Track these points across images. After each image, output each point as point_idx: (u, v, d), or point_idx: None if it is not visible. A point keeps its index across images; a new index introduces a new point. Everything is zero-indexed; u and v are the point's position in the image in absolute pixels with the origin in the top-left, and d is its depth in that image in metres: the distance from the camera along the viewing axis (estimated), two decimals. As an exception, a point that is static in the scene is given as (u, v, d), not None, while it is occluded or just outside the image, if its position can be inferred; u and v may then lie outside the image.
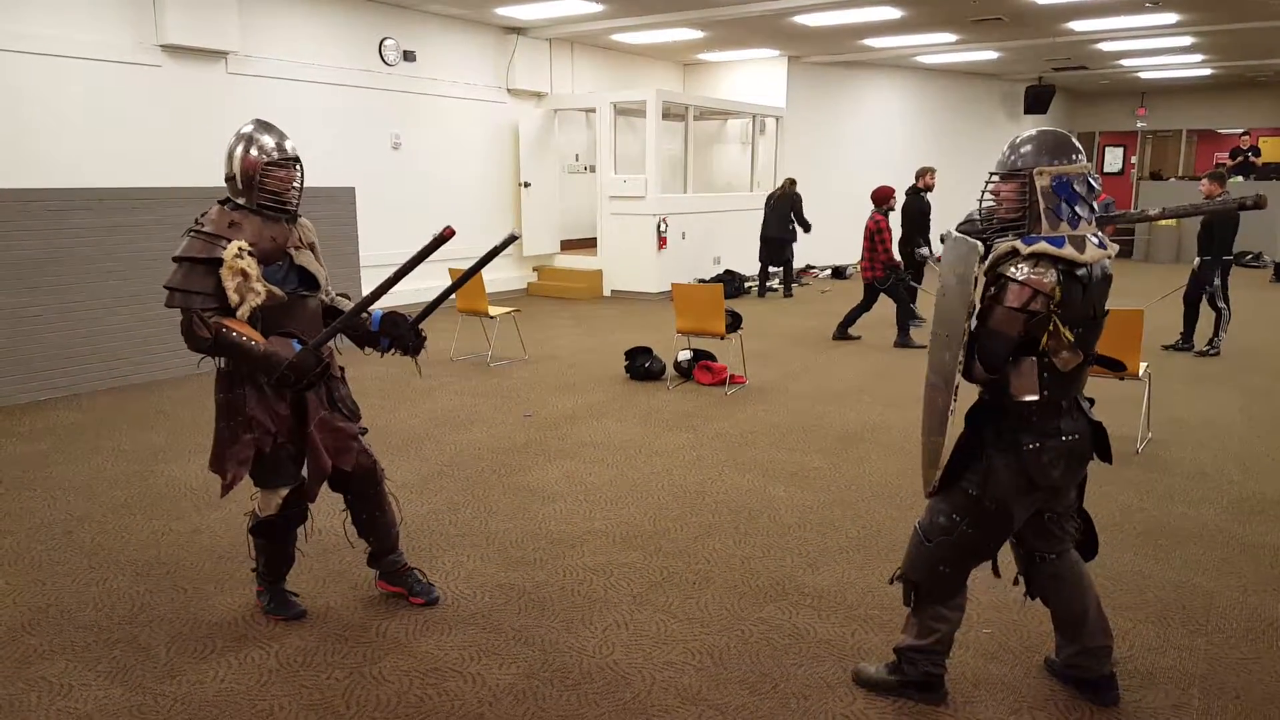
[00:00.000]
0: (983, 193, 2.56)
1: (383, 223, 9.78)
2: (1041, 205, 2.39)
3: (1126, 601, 3.40)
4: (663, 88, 13.34)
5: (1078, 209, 2.39)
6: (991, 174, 2.53)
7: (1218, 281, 8.13)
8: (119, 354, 6.93)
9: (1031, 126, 18.78)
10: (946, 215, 9.91)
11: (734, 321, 7.10)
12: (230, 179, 3.04)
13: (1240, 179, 15.99)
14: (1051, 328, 2.38)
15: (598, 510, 4.37)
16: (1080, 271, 2.38)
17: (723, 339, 7.07)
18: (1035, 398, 2.45)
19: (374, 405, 6.11)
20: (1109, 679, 2.71)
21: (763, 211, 11.99)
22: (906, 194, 9.45)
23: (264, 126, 3.08)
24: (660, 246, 11.89)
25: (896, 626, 3.18)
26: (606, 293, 12.30)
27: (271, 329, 2.96)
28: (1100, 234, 2.45)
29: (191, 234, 2.95)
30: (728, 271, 12.61)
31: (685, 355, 7.24)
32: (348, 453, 3.15)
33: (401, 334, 3.21)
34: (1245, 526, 4.17)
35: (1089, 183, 2.42)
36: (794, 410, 6.29)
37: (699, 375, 7.11)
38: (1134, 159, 21.35)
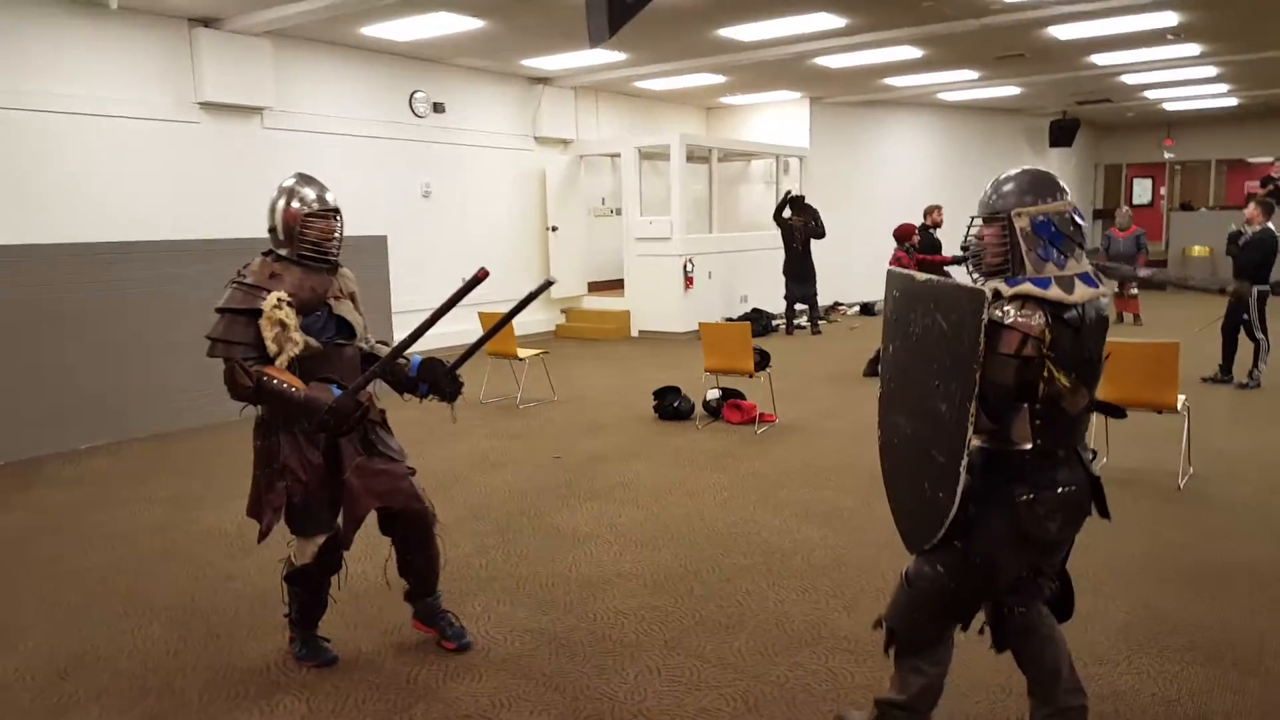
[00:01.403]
0: (966, 236, 2.49)
1: (414, 270, 9.94)
2: (1023, 248, 2.32)
3: (1174, 643, 3.30)
4: (686, 131, 13.50)
5: (1061, 249, 2.32)
6: (973, 217, 2.46)
7: (1253, 310, 7.97)
8: (157, 402, 7.04)
9: (1056, 160, 18.69)
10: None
11: (762, 360, 7.09)
12: (272, 230, 3.12)
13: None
14: (1046, 373, 2.26)
15: (628, 552, 4.34)
16: (1069, 314, 2.28)
17: (751, 377, 7.05)
18: (1029, 446, 2.34)
19: (405, 448, 6.13)
20: None
21: (783, 248, 12.07)
22: (919, 232, 9.51)
23: (305, 179, 3.16)
24: (687, 286, 11.94)
25: (935, 669, 3.12)
26: (634, 333, 12.35)
27: (310, 377, 3.00)
28: (1091, 273, 2.36)
29: (233, 285, 3.03)
30: (755, 310, 12.62)
31: (714, 394, 7.22)
32: (397, 493, 3.17)
33: (439, 380, 3.23)
34: (1295, 563, 4.05)
35: (1074, 220, 2.36)
36: (825, 449, 6.24)
37: (728, 414, 7.08)
38: (1163, 190, 21.15)
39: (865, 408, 7.56)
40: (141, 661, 3.33)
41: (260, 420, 3.11)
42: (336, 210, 3.15)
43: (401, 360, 3.16)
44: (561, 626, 3.54)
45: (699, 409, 7.22)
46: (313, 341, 3.01)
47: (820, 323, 12.37)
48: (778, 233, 12.12)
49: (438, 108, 10.80)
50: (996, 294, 2.30)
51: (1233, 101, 16.29)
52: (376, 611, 3.68)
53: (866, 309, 14.08)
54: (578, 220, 12.68)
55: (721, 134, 15.02)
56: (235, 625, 3.63)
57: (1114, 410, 2.66)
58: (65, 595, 3.97)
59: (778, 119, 14.66)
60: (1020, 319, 2.25)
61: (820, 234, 11.96)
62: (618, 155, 12.72)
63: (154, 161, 8.20)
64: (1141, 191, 21.52)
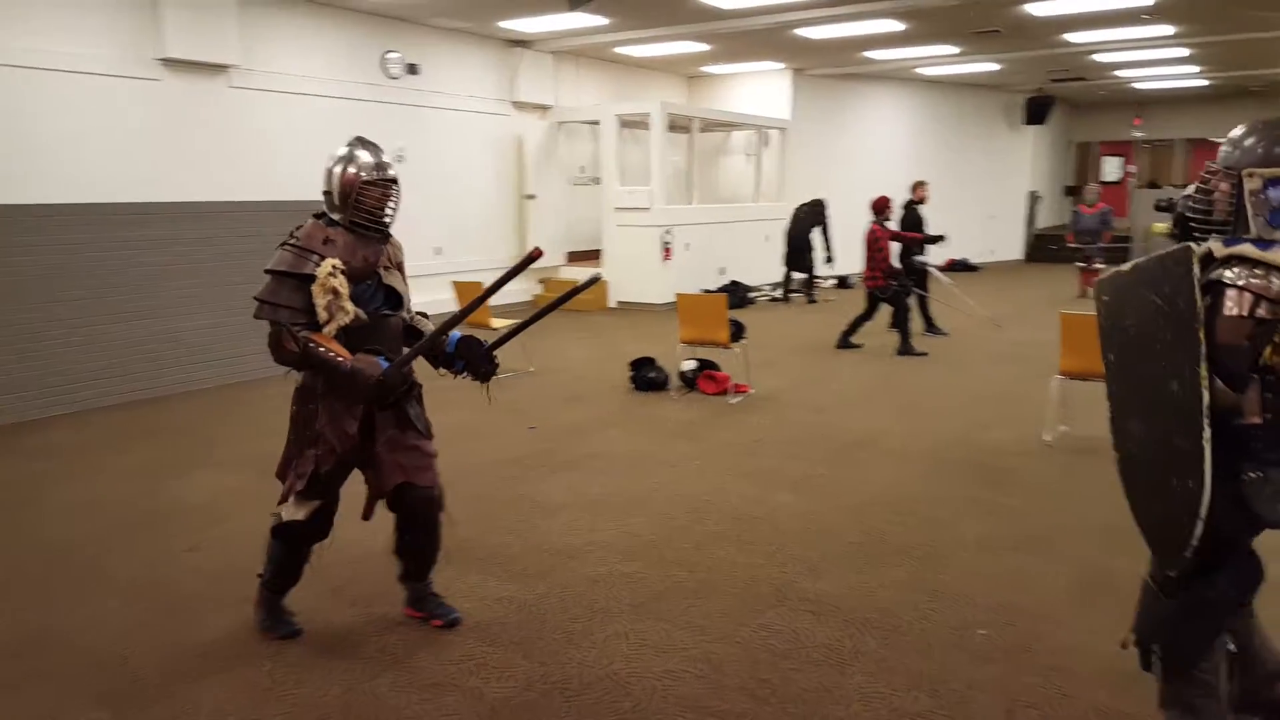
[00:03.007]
0: (1197, 188, 2.33)
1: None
2: (1250, 210, 2.17)
3: (1123, 601, 3.37)
4: (667, 100, 13.41)
5: None
6: (1209, 168, 2.29)
7: None
8: (122, 371, 6.94)
9: (1032, 137, 18.85)
10: (944, 225, 10.01)
11: (737, 331, 7.14)
12: (327, 194, 3.06)
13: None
14: (1277, 340, 2.12)
15: (601, 521, 4.39)
16: None
17: (726, 348, 7.10)
18: (1258, 420, 2.14)
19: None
20: None
21: (789, 220, 12.52)
22: (903, 207, 9.58)
23: (364, 143, 3.08)
24: (665, 258, 11.94)
25: (893, 629, 3.23)
26: (612, 304, 12.35)
27: (356, 346, 2.96)
28: None
29: (284, 247, 2.97)
30: (733, 282, 12.66)
31: (690, 365, 7.27)
32: (425, 470, 3.15)
33: (476, 359, 3.17)
34: None
35: None
36: (797, 419, 6.32)
37: (703, 385, 7.13)
38: (1132, 168, 21.38)
39: (837, 379, 7.73)
40: (99, 637, 3.28)
41: (300, 386, 3.07)
42: (394, 180, 3.08)
43: (442, 337, 3.13)
44: (531, 594, 3.59)
45: (675, 380, 7.27)
46: (361, 314, 2.97)
47: (814, 294, 12.91)
48: (758, 205, 12.30)
49: (412, 69, 10.62)
50: (1210, 255, 2.18)
51: (1202, 82, 16.47)
52: (342, 582, 3.67)
53: (843, 282, 14.16)
54: (556, 189, 12.59)
55: (703, 104, 14.93)
56: (197, 598, 3.58)
57: None
58: (25, 569, 3.91)
59: (759, 90, 14.60)
60: (1254, 280, 2.10)
61: (819, 222, 12.51)
62: (597, 123, 12.62)
63: (112, 120, 7.91)
64: (1112, 169, 21.76)
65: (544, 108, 12.47)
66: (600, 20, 10.51)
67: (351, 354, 2.93)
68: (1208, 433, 2.01)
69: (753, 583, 3.66)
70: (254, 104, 9.02)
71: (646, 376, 7.26)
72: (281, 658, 3.11)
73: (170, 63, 8.28)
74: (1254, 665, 2.41)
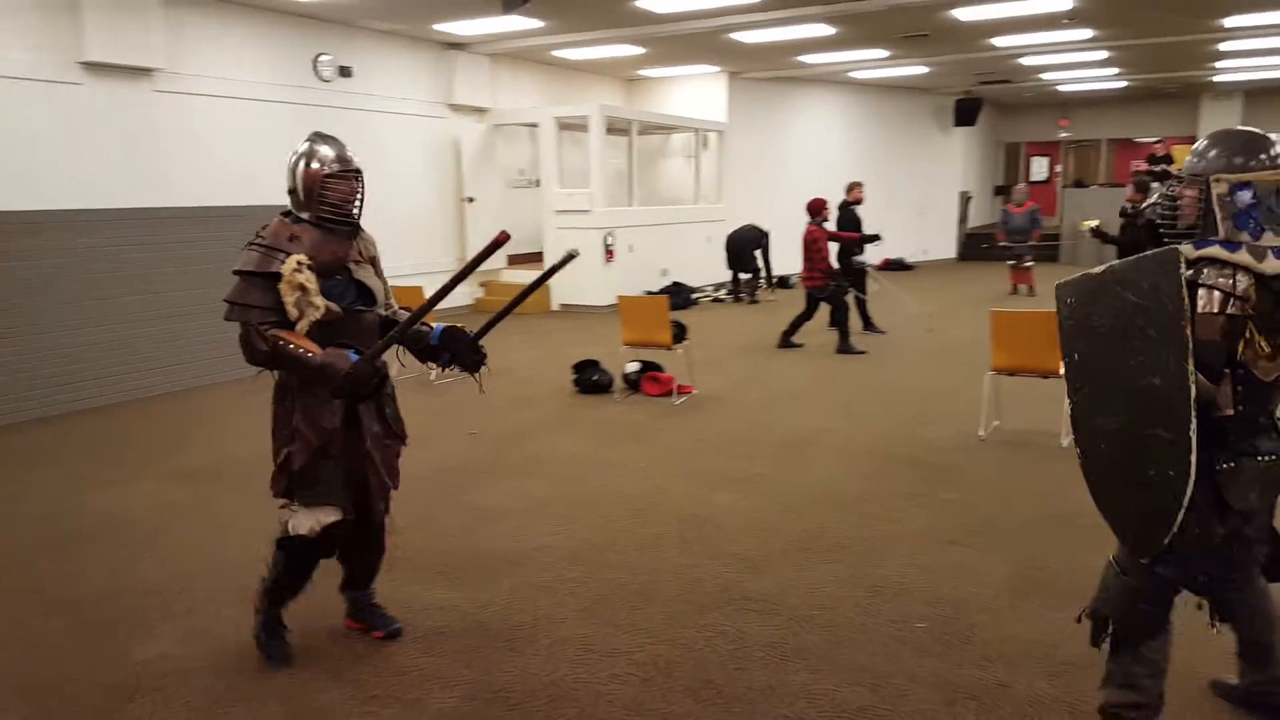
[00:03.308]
0: (1163, 196, 2.45)
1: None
2: (1218, 214, 2.29)
3: (1054, 591, 3.47)
4: (606, 103, 13.42)
5: (1259, 218, 2.27)
6: (1172, 177, 2.42)
7: None
8: (51, 382, 6.70)
9: (961, 139, 19.35)
10: (878, 225, 10.20)
11: (679, 332, 7.17)
12: (292, 192, 3.00)
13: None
14: (1249, 335, 2.24)
15: (544, 526, 4.37)
16: (1275, 283, 2.25)
17: (669, 350, 7.13)
18: (1230, 412, 2.28)
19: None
20: None
21: (728, 237, 12.97)
22: (839, 208, 9.73)
23: (323, 138, 3.02)
24: (607, 260, 11.94)
25: (835, 625, 3.27)
26: (555, 306, 12.30)
27: (329, 342, 2.90)
28: None
29: (250, 247, 2.91)
30: (675, 284, 12.73)
31: (633, 367, 7.28)
32: (396, 473, 3.12)
33: (461, 350, 3.14)
34: None
35: (1278, 191, 2.29)
36: (740, 418, 6.37)
37: (647, 386, 7.15)
38: (1059, 168, 22.11)
39: (779, 378, 7.82)
40: (28, 657, 3.17)
41: (278, 385, 3.01)
42: (358, 171, 3.02)
43: (424, 328, 3.08)
44: (474, 603, 3.55)
45: (618, 382, 7.27)
46: (334, 306, 2.91)
47: (744, 296, 13.14)
48: (699, 207, 12.58)
49: (344, 72, 10.44)
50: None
51: (1122, 84, 17.09)
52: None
53: (782, 282, 14.34)
54: (495, 191, 12.50)
55: (641, 107, 14.98)
56: (135, 613, 3.50)
57: None
58: (-51, 585, 3.77)
59: (696, 93, 14.71)
60: (1221, 279, 2.23)
61: (757, 245, 12.91)
62: (536, 125, 12.57)
63: (33, 125, 7.62)
64: (1039, 169, 22.49)
65: (481, 110, 12.37)
66: (536, 23, 10.47)
67: (324, 350, 2.87)
68: (1194, 424, 2.11)
69: (696, 583, 3.68)
70: (181, 108, 8.77)
71: (590, 379, 7.25)
72: (219, 675, 3.03)
73: (92, 66, 8.00)
74: (1274, 664, 2.54)
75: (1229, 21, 10.89)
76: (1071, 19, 10.68)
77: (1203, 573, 2.40)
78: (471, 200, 12.14)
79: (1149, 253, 2.23)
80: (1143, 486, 2.28)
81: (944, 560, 3.88)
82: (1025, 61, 14.08)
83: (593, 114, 11.92)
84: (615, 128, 12.84)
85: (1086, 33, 11.66)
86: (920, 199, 17.56)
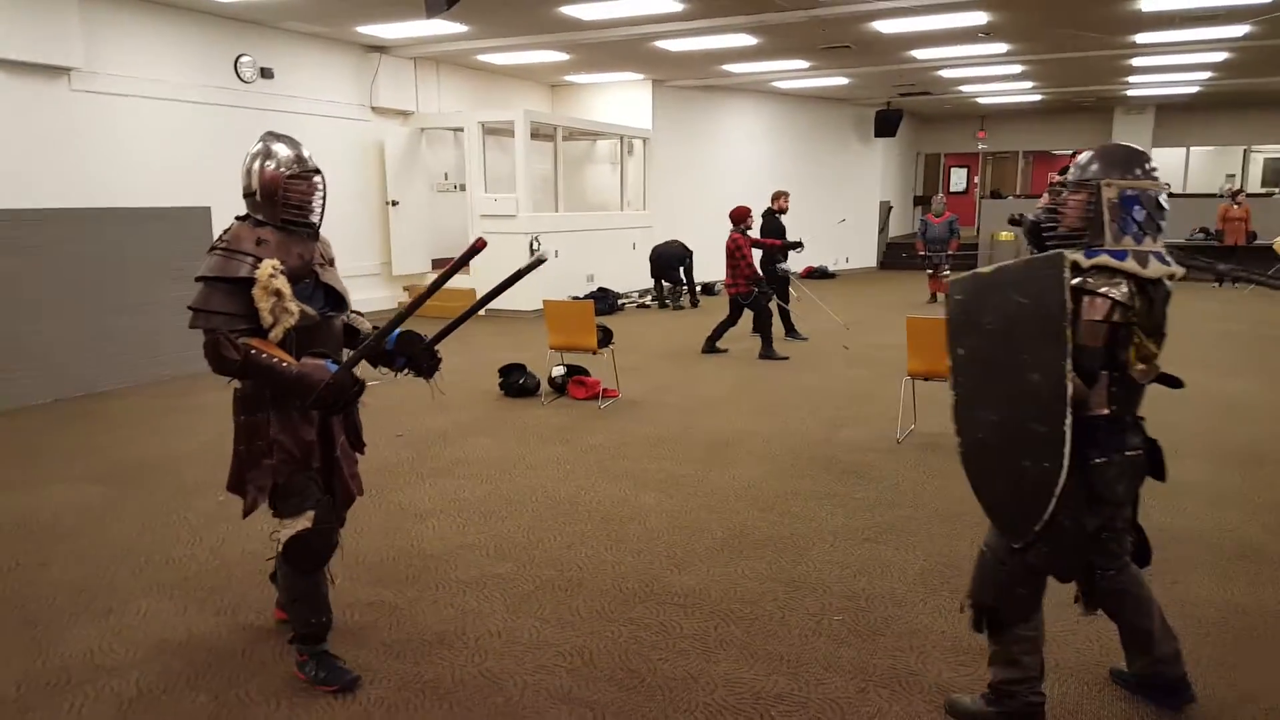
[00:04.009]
0: (1048, 201, 2.55)
1: (242, 244, 9.44)
2: (1106, 218, 2.39)
3: (965, 585, 3.65)
4: (531, 108, 13.44)
5: (1142, 225, 2.38)
6: (1058, 181, 2.52)
7: None
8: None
9: (881, 149, 19.83)
10: (801, 233, 10.46)
11: (605, 337, 7.25)
12: (250, 195, 2.89)
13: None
14: (1137, 340, 2.37)
15: (471, 525, 4.40)
16: (1153, 287, 2.39)
17: (595, 354, 7.20)
18: (1105, 412, 2.43)
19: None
20: (1183, 680, 2.72)
21: (652, 251, 13.17)
22: (763, 215, 9.94)
23: (277, 137, 2.92)
24: (533, 265, 11.93)
25: (756, 618, 3.40)
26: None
27: (300, 351, 2.80)
28: (1164, 252, 2.43)
29: (213, 252, 2.81)
30: (601, 289, 12.81)
31: (559, 371, 7.34)
32: (357, 480, 3.10)
33: (417, 355, 3.07)
34: None
35: (1158, 201, 2.43)
36: (664, 421, 6.49)
37: (573, 390, 7.21)
38: (977, 179, 22.96)
39: (703, 382, 7.97)
40: (-59, 660, 3.11)
41: (242, 394, 2.88)
42: (317, 170, 2.94)
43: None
44: (402, 599, 3.57)
45: (544, 385, 7.31)
46: (310, 311, 2.82)
47: (687, 297, 13.45)
48: (625, 214, 12.69)
49: (265, 73, 10.26)
50: (1075, 265, 2.36)
51: (1037, 97, 17.85)
52: (207, 592, 3.59)
53: (707, 289, 14.56)
54: (419, 195, 12.40)
55: (567, 112, 15.04)
56: (54, 611, 3.44)
57: (1173, 381, 2.62)
58: None
59: (621, 100, 14.84)
60: (1109, 287, 2.34)
61: (681, 262, 13.13)
62: (460, 130, 12.51)
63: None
64: (958, 179, 23.33)
65: (405, 113, 12.27)
66: (460, 27, 10.45)
67: (298, 359, 2.78)
68: (1069, 420, 2.26)
69: (622, 579, 3.77)
70: (100, 108, 8.53)
71: (516, 382, 7.27)
72: (147, 667, 3.02)
73: (5, 64, 7.72)
74: (1155, 646, 2.70)
75: (1141, 38, 11.41)
76: (987, 33, 11.15)
77: (1074, 563, 2.57)
78: (395, 204, 12.03)
79: (1037, 256, 2.38)
80: (1018, 477, 2.41)
81: (861, 556, 4.04)
82: (944, 74, 14.61)
83: (518, 119, 11.93)
84: (541, 133, 12.87)
85: (1001, 47, 12.17)
86: (842, 208, 18.02)
